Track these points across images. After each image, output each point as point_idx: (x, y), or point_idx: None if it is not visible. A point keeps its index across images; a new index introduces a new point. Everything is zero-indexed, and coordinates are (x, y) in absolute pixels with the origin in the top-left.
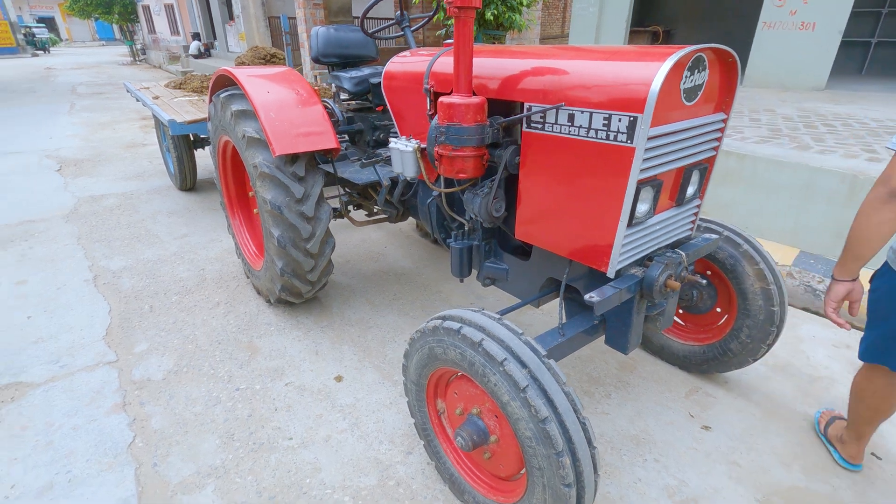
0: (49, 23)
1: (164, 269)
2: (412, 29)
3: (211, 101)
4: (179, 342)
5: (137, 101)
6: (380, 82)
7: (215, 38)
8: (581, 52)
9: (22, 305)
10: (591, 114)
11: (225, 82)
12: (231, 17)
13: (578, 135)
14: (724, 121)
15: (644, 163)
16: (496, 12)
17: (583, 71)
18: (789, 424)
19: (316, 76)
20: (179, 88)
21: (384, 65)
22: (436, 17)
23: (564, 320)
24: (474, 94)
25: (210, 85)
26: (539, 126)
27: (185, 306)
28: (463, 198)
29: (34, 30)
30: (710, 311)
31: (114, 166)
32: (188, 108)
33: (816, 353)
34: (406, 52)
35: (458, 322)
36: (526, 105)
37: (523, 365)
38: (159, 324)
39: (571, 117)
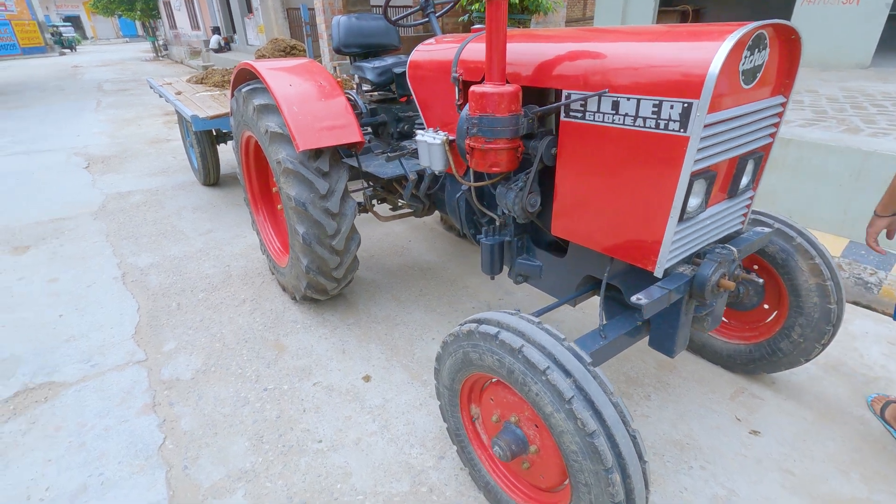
0: (75, 21)
1: (190, 266)
2: (437, 15)
3: (233, 95)
4: (207, 340)
5: (161, 97)
6: (404, 72)
7: (235, 31)
8: (625, 33)
9: (54, 303)
10: (638, 100)
11: (246, 76)
12: (250, 10)
13: (624, 123)
14: (783, 105)
15: (698, 153)
16: None
17: (629, 54)
18: (845, 429)
19: (335, 67)
20: (201, 83)
21: (407, 54)
22: (460, 1)
23: (605, 321)
24: (507, 82)
25: (232, 79)
26: (579, 115)
27: (212, 304)
28: (495, 192)
29: (61, 29)
30: (757, 308)
31: (139, 162)
32: (210, 103)
33: (871, 352)
34: (431, 40)
35: (495, 326)
36: (564, 93)
37: (567, 374)
38: (187, 322)
39: (616, 105)
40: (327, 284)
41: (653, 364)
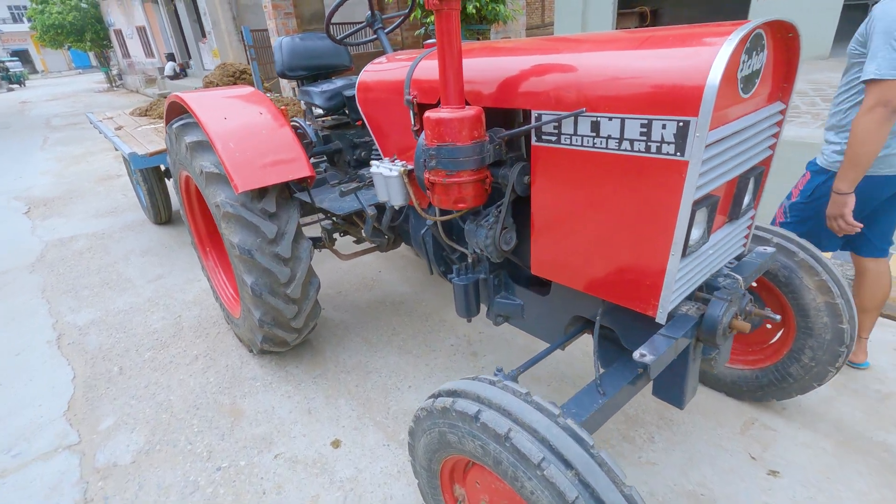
0: (23, 55)
1: (136, 320)
2: (386, 31)
3: (167, 131)
4: (152, 411)
5: (100, 133)
6: (353, 95)
7: (190, 57)
8: (599, 42)
9: None
10: (622, 120)
11: (179, 109)
12: (203, 35)
13: (607, 147)
14: (783, 112)
15: (699, 178)
16: (478, 4)
17: (607, 65)
18: (869, 459)
19: (294, 88)
20: (145, 116)
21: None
22: (412, 14)
23: (601, 371)
24: (467, 103)
25: (164, 113)
26: (553, 138)
27: (160, 364)
28: (464, 229)
29: (7, 64)
30: (759, 328)
31: (86, 203)
32: (153, 138)
33: (880, 362)
34: (382, 58)
35: (474, 403)
36: (534, 113)
37: (568, 465)
38: (130, 389)
39: (596, 125)
40: (286, 336)
41: (651, 398)
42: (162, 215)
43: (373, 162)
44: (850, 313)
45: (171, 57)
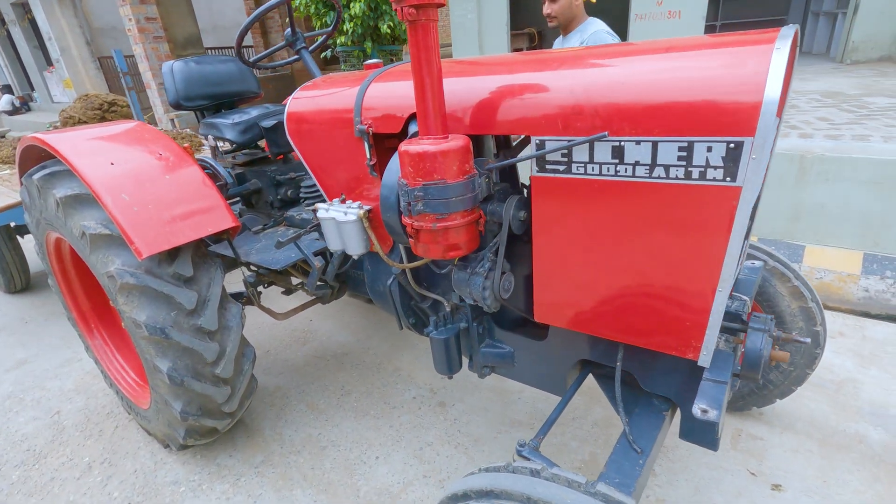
0: None
1: None
2: (311, 49)
3: (22, 183)
4: None
5: None
6: (276, 125)
7: (33, 88)
8: (609, 55)
9: None
10: (653, 144)
11: (39, 155)
12: (50, 63)
13: (634, 175)
14: (777, 126)
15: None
16: (392, 24)
17: (630, 82)
18: (852, 455)
19: (173, 120)
20: None
21: (272, 102)
22: (334, 34)
23: (628, 423)
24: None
25: (16, 161)
26: (561, 167)
27: (37, 485)
28: (453, 278)
29: None
30: None
31: None
32: None
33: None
34: (312, 83)
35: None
36: (535, 139)
37: None
38: None
39: (619, 151)
40: (217, 424)
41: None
42: (16, 282)
43: (319, 206)
44: (822, 316)
45: (7, 89)
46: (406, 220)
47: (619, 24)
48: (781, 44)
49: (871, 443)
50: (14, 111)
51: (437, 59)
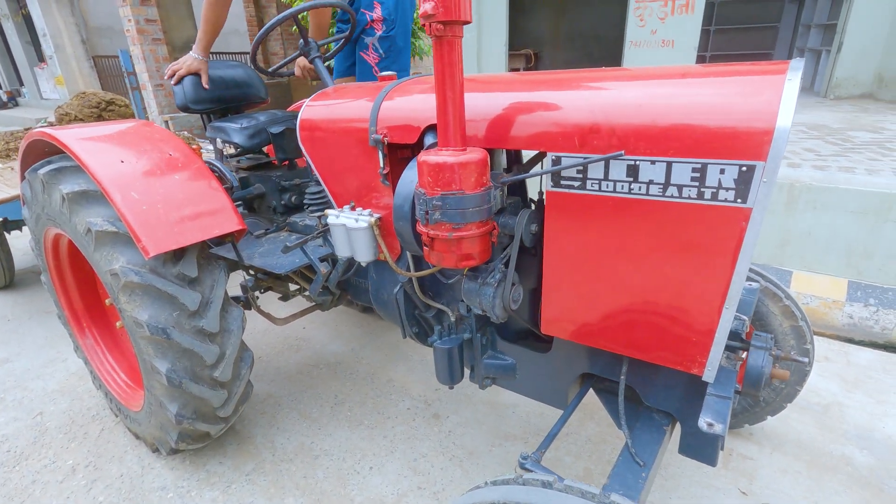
0: None
1: None
2: (325, 58)
3: (24, 177)
4: None
5: None
6: (284, 132)
7: (22, 84)
8: (628, 77)
9: None
10: (668, 164)
11: (43, 150)
12: (41, 59)
13: (647, 193)
14: None
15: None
16: None
17: (648, 104)
18: (839, 476)
19: (167, 122)
20: None
21: (279, 108)
22: (346, 42)
23: (630, 437)
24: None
25: (19, 156)
26: (576, 183)
27: (18, 487)
28: (463, 288)
29: None
30: None
31: None
32: None
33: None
34: (325, 91)
35: None
36: (551, 156)
37: None
38: None
39: (634, 170)
40: (210, 429)
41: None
42: (3, 278)
43: (329, 212)
44: (811, 335)
45: None
46: (421, 228)
47: (614, 51)
48: (793, 75)
49: (858, 465)
50: (1, 106)
51: (460, 74)
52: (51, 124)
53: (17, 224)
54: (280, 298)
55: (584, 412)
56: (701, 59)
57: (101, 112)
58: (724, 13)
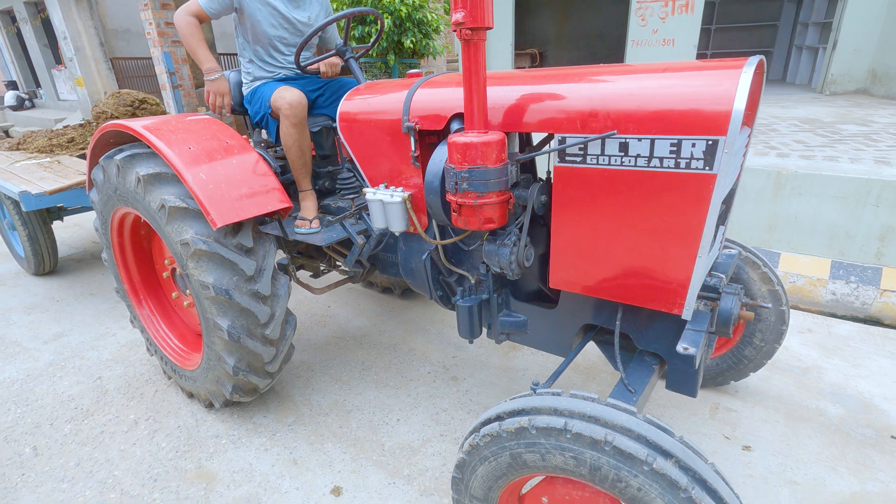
0: None
1: (40, 389)
2: (357, 58)
3: (95, 163)
4: (94, 493)
5: None
6: (319, 130)
7: (38, 85)
8: (618, 72)
9: None
10: (652, 140)
11: (111, 140)
12: (59, 61)
13: (636, 165)
14: (749, 136)
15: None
16: (413, 40)
17: (637, 93)
18: (813, 424)
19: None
20: (18, 150)
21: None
22: (376, 45)
23: (624, 372)
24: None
25: (90, 146)
26: (578, 159)
27: (88, 436)
28: (484, 249)
29: None
30: None
31: None
32: (41, 174)
33: (792, 344)
34: (360, 87)
35: (556, 416)
36: (557, 136)
37: (668, 455)
38: (55, 472)
39: (625, 146)
40: (259, 383)
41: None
42: (46, 264)
43: (367, 190)
44: (787, 298)
45: (12, 85)
46: (451, 197)
47: (617, 50)
48: (748, 69)
49: (830, 416)
50: (19, 107)
51: (483, 70)
52: (82, 124)
53: (60, 214)
54: (311, 276)
55: (588, 374)
56: (702, 57)
57: (135, 110)
58: (724, 12)
